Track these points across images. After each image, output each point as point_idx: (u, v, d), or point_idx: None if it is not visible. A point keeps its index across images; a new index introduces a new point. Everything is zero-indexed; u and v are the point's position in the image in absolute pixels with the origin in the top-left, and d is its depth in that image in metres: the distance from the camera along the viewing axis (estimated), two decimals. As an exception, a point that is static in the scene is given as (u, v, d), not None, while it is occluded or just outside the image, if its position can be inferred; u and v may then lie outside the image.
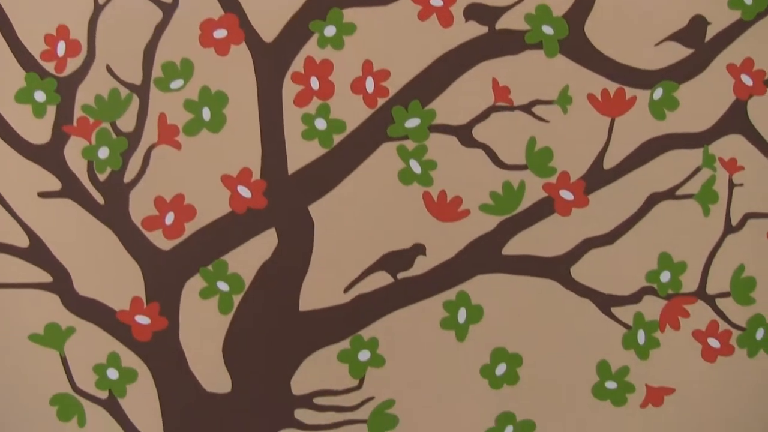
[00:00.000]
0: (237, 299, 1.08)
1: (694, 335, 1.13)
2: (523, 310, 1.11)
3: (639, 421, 1.13)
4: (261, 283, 1.07)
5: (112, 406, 1.10)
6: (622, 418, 1.13)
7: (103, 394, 1.10)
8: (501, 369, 1.10)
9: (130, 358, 1.12)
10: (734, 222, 1.14)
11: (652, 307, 1.13)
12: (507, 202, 1.09)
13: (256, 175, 1.08)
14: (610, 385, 1.12)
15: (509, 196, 1.09)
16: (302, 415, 1.10)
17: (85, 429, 1.08)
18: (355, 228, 1.09)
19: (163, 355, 1.09)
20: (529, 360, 1.10)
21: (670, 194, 1.13)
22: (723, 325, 1.14)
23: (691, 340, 1.15)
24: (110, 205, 1.05)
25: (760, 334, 1.15)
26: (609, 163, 1.12)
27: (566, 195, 1.10)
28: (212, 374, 1.08)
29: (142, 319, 1.06)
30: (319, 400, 1.10)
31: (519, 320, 1.11)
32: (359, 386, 1.10)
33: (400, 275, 1.11)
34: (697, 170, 1.13)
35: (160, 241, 1.09)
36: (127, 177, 1.08)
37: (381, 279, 1.11)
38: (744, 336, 1.15)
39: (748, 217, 1.13)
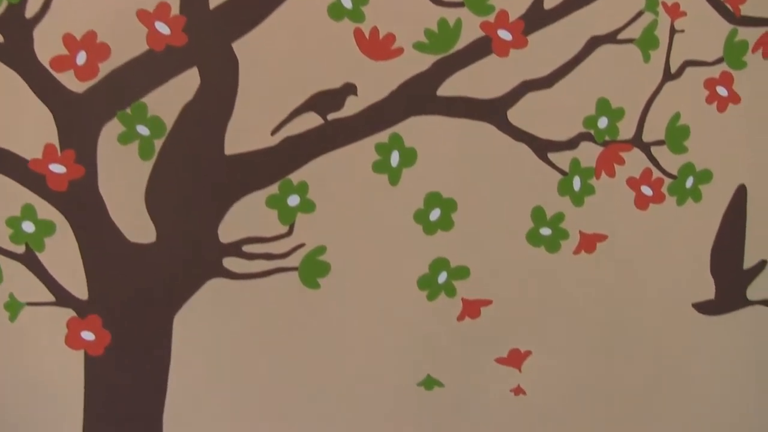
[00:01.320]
0: (158, 144, 1.04)
1: (629, 183, 1.16)
2: (458, 154, 1.11)
3: (572, 267, 1.16)
4: (183, 126, 1.04)
5: (30, 261, 1.09)
6: (556, 264, 1.15)
7: (20, 249, 1.08)
8: (435, 214, 1.10)
9: (46, 210, 1.08)
10: (673, 69, 1.15)
11: (588, 154, 1.14)
12: (442, 41, 1.06)
13: (176, 9, 1.04)
14: (545, 231, 1.14)
15: (445, 34, 1.07)
16: (231, 263, 1.09)
17: (3, 286, 1.03)
18: (283, 67, 1.06)
19: (82, 205, 1.06)
20: (464, 205, 1.10)
21: (611, 38, 1.13)
22: (656, 173, 1.16)
23: (625, 187, 1.17)
24: (12, 44, 0.98)
25: (689, 182, 1.18)
26: (550, 3, 1.10)
27: (504, 35, 1.08)
28: (135, 224, 1.06)
29: (57, 168, 1.03)
30: (248, 248, 1.09)
31: (454, 164, 1.11)
32: (289, 233, 1.09)
33: (330, 116, 1.09)
34: (640, 14, 1.12)
35: (72, 83, 1.05)
36: (29, 11, 0.99)
37: (310, 120, 1.09)
38: (675, 184, 1.19)
39: (687, 64, 1.14)
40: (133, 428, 1.11)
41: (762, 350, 1.33)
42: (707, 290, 1.26)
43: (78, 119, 1.00)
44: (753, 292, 1.27)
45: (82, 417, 1.09)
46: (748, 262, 1.27)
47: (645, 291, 1.22)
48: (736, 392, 1.32)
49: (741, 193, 1.22)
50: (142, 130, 1.00)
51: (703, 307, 1.26)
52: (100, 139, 1.02)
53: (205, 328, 1.09)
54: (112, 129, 1.02)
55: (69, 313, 1.06)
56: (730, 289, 1.28)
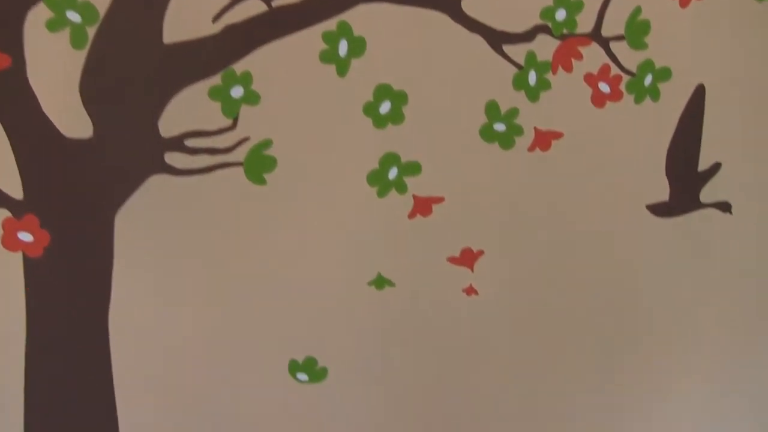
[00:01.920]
0: (91, 32, 0.98)
1: (586, 79, 1.14)
2: (410, 44, 1.07)
3: (526, 165, 1.14)
4: (118, 12, 0.98)
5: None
6: (510, 162, 1.13)
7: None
8: (385, 107, 1.07)
9: (-28, 104, 0.96)
10: (635, -39, 1.10)
11: (545, 47, 1.11)
12: None
13: None
14: (499, 126, 1.12)
15: None
16: (173, 159, 1.06)
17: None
18: (223, -52, 0.99)
19: (11, 98, 1.02)
20: (415, 98, 1.07)
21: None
22: (614, 70, 1.14)
23: (582, 83, 1.15)
24: None
25: (648, 80, 1.16)
26: None
27: None
28: (70, 118, 1.01)
29: (-21, 58, 0.93)
30: (190, 142, 1.05)
31: (405, 55, 1.08)
32: (233, 126, 1.06)
33: (275, 3, 1.06)
34: None
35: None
36: None
37: (254, 7, 1.05)
38: (633, 81, 1.17)
39: (649, -44, 1.09)
40: (79, 330, 1.09)
41: (712, 253, 1.34)
42: (661, 192, 1.26)
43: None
44: (706, 194, 1.27)
45: (25, 320, 1.06)
46: (703, 164, 1.27)
47: (599, 191, 1.22)
48: (682, 292, 1.34)
49: (699, 93, 1.22)
50: (73, 16, 0.95)
51: (656, 209, 1.27)
52: (27, 25, 0.94)
53: (147, 226, 1.06)
54: (39, 14, 0.94)
55: (4, 213, 1.04)
56: (684, 191, 1.28)
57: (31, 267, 1.05)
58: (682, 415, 1.48)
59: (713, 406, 1.48)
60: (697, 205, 1.29)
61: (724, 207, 1.30)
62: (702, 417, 1.50)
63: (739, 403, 1.51)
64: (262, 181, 1.05)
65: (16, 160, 1.04)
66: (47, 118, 1.00)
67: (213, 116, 1.04)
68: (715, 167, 1.27)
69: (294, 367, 1.20)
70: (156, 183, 1.06)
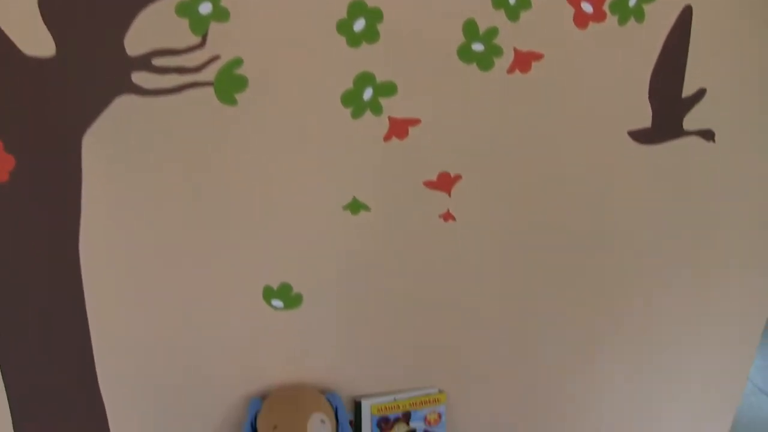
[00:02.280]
0: None
1: (568, -2, 1.09)
2: (385, -42, 1.02)
3: (505, 87, 1.11)
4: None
5: None
6: (489, 83, 1.10)
7: None
8: (359, 25, 1.04)
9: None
10: None
11: (526, -37, 1.06)
12: None
13: None
14: (477, 47, 1.09)
15: None
16: (140, 78, 1.03)
17: None
18: None
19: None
20: (391, 16, 1.04)
21: None
22: (598, -11, 1.10)
23: (564, 3, 1.11)
24: None
25: (633, 0, 1.12)
26: None
27: None
28: (30, 35, 0.98)
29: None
30: (158, 61, 1.02)
31: (379, -31, 1.02)
32: (202, 44, 1.02)
33: None
34: None
35: None
36: None
37: None
38: (617, 1, 1.12)
39: None
40: (49, 253, 1.08)
41: (693, 181, 1.33)
42: (644, 118, 1.24)
43: None
44: (689, 122, 1.25)
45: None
46: (688, 90, 1.25)
47: (579, 115, 1.20)
48: (662, 219, 1.34)
49: (686, 14, 1.18)
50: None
51: (638, 135, 1.26)
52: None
53: (116, 148, 1.04)
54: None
55: (-35, 137, 0.97)
56: (667, 117, 1.26)
57: (-4, 192, 1.02)
58: (662, 329, 1.49)
59: (693, 321, 1.50)
60: (680, 132, 1.27)
61: (708, 135, 1.28)
62: (682, 330, 1.53)
63: (716, 319, 1.52)
64: (233, 102, 1.03)
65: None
66: (5, 34, 0.95)
67: (181, 33, 1.00)
68: (700, 93, 1.25)
69: (268, 294, 1.20)
70: (124, 104, 1.05)
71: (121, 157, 1.04)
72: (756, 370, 2.96)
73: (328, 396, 1.27)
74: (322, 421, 1.23)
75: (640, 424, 1.63)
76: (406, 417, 1.36)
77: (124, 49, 1.00)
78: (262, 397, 1.27)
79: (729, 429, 1.71)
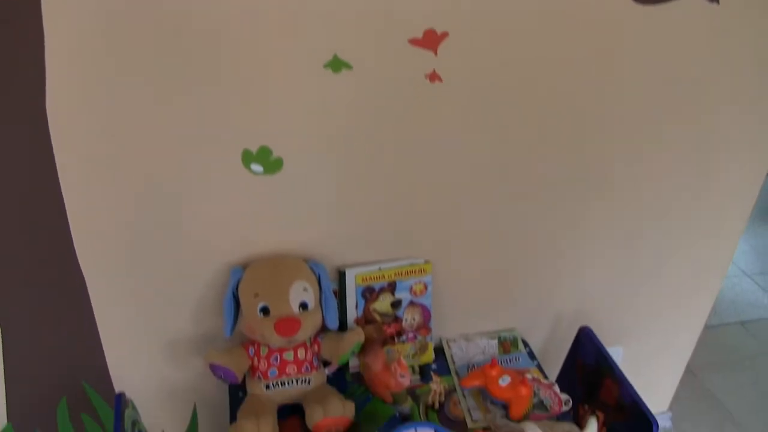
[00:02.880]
0: None
1: None
2: None
3: None
4: None
5: None
6: None
7: None
8: None
9: None
10: None
11: None
12: None
13: None
14: None
15: None
16: None
17: None
18: None
19: None
20: None
21: None
22: None
23: None
24: None
25: None
26: None
27: None
28: None
29: None
30: None
31: None
32: None
33: None
34: None
35: None
36: None
37: None
38: None
39: None
40: (13, 117, 1.01)
41: (694, 46, 1.27)
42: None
43: None
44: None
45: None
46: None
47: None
48: (659, 78, 1.28)
49: None
50: None
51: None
52: None
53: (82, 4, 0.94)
54: None
55: None
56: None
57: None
58: (653, 206, 1.48)
59: (683, 199, 1.49)
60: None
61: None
62: (672, 209, 1.58)
63: (706, 202, 1.57)
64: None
65: None
66: None
67: None
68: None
69: (247, 158, 1.16)
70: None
71: (90, 14, 0.95)
72: (740, 253, 3.00)
73: (311, 264, 1.26)
74: (305, 289, 1.22)
75: (624, 298, 1.64)
76: (392, 287, 1.36)
77: None
78: (244, 266, 1.24)
79: (711, 307, 1.73)
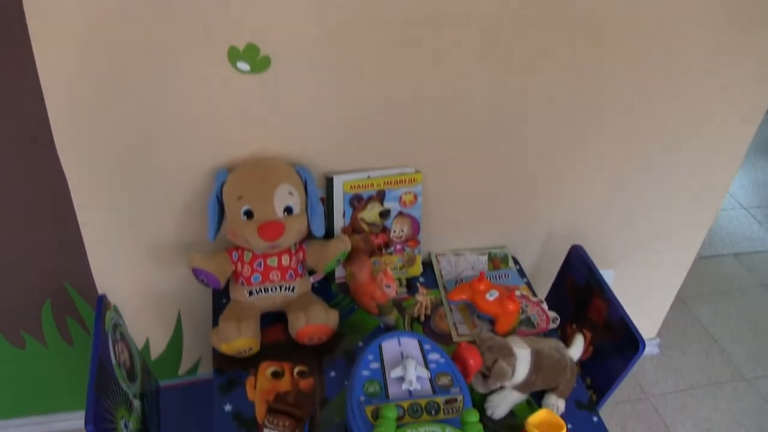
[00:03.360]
0: None
1: None
2: None
3: None
4: None
5: None
6: None
7: None
8: None
9: None
10: None
11: None
12: None
13: None
14: None
15: None
16: None
17: None
18: None
19: None
20: None
21: None
22: None
23: None
24: None
25: None
26: None
27: None
28: None
29: None
30: None
31: None
32: None
33: None
34: None
35: None
36: None
37: None
38: None
39: None
40: None
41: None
42: None
43: None
44: None
45: None
46: None
47: None
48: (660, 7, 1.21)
49: None
50: None
51: None
52: None
53: None
54: None
55: None
56: None
57: None
58: (653, 129, 1.45)
59: (684, 125, 1.45)
60: None
61: None
62: (673, 134, 1.55)
63: (706, 129, 1.54)
64: None
65: None
66: None
67: None
68: None
69: (234, 55, 1.10)
70: None
71: None
72: (740, 187, 2.96)
73: (297, 168, 1.22)
74: (290, 193, 1.18)
75: (618, 221, 1.60)
76: (380, 196, 1.32)
77: None
78: (229, 169, 1.19)
79: (704, 237, 1.70)
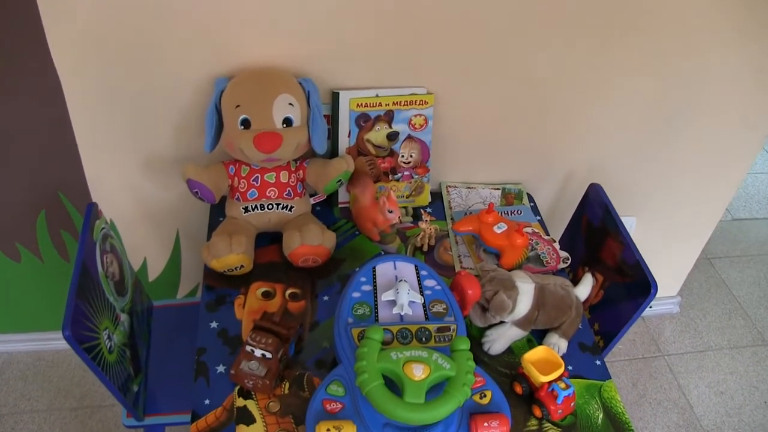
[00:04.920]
0: None
1: None
2: None
3: None
4: None
5: None
6: None
7: None
8: None
9: None
10: None
11: None
12: None
13: None
14: None
15: None
16: None
17: None
18: None
19: None
20: None
21: None
22: None
23: None
24: None
25: None
26: None
27: None
28: None
29: None
30: None
31: None
32: None
33: None
34: None
35: None
36: None
37: None
38: None
39: None
40: None
41: None
42: None
43: None
44: None
45: None
46: None
47: None
48: None
49: None
50: None
51: None
52: None
53: None
54: None
55: None
56: None
57: None
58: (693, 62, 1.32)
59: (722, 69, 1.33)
60: None
61: None
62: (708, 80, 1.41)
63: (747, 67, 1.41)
64: None
65: None
66: None
67: None
68: None
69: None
70: None
71: None
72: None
73: (300, 80, 1.16)
74: (291, 104, 1.12)
75: (643, 163, 1.53)
76: (389, 117, 1.25)
77: None
78: (230, 78, 1.15)
79: (732, 195, 1.63)
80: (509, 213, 1.40)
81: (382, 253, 1.28)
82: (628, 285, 1.20)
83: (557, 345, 1.10)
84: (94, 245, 1.12)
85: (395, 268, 1.07)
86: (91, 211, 1.15)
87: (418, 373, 0.82)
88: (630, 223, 1.67)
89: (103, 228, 1.17)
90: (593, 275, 1.19)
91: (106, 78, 1.20)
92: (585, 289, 1.15)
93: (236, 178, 1.22)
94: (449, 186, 1.45)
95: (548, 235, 1.36)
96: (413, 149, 1.33)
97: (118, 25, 1.12)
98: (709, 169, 1.60)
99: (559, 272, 1.29)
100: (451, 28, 1.20)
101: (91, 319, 1.02)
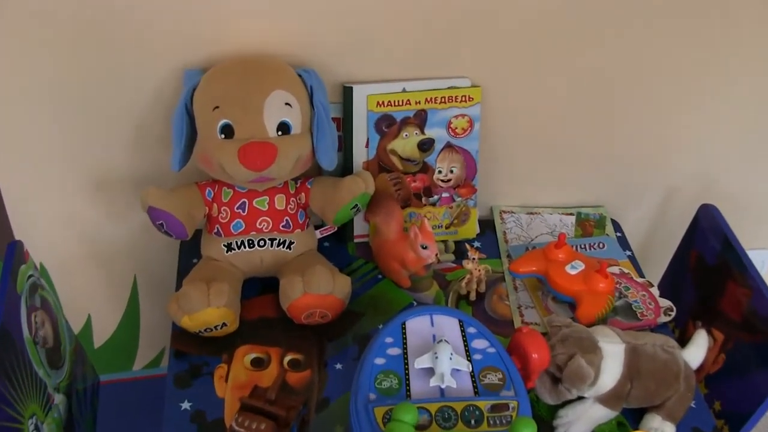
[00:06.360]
0: None
1: None
2: None
3: None
4: None
5: None
6: None
7: None
8: None
9: None
10: None
11: None
12: None
13: None
14: None
15: None
16: None
17: None
18: None
19: None
20: None
21: None
22: None
23: None
24: None
25: None
26: None
27: None
28: None
29: None
30: None
31: None
32: None
33: None
34: None
35: None
36: None
37: None
38: None
39: None
40: None
41: None
42: None
43: None
44: None
45: None
46: None
47: None
48: None
49: None
50: None
51: None
52: None
53: None
54: None
55: None
56: None
57: None
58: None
59: None
60: None
61: None
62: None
63: None
64: None
65: None
66: None
67: None
68: None
69: None
70: None
71: None
72: None
73: (300, 71, 1.19)
74: (288, 104, 1.15)
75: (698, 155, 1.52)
76: (421, 119, 1.30)
77: None
78: (204, 69, 1.21)
79: None
80: (587, 247, 1.44)
81: (414, 303, 1.30)
82: (760, 346, 1.20)
83: (660, 431, 1.09)
84: (19, 300, 1.13)
85: (432, 324, 1.10)
86: (14, 252, 1.15)
87: (468, 470, 0.83)
88: (761, 258, 1.65)
89: (31, 276, 1.19)
90: (709, 332, 1.19)
91: (33, 64, 1.20)
92: (698, 352, 1.16)
93: (215, 205, 1.27)
94: (504, 211, 1.47)
95: (642, 276, 1.37)
96: (455, 162, 1.39)
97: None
98: None
99: (660, 328, 1.31)
100: (490, 17, 1.24)
101: (12, 404, 1.02)
